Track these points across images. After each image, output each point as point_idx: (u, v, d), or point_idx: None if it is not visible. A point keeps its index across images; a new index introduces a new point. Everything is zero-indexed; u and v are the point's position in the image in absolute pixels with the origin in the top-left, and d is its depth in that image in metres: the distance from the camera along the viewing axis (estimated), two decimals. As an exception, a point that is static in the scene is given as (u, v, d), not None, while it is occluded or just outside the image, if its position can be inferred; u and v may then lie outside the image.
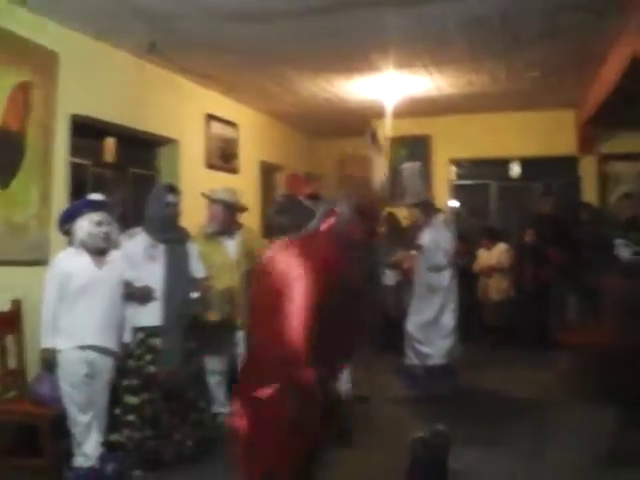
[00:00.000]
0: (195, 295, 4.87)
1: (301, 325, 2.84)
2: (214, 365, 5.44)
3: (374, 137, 5.62)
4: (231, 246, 5.55)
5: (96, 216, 4.39)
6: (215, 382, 5.46)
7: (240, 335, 5.37)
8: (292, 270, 2.91)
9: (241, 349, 5.30)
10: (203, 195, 5.60)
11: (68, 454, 4.40)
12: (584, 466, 4.64)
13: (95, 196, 4.55)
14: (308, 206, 4.36)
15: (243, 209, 5.76)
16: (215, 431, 5.00)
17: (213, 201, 5.50)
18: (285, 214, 4.27)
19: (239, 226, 5.69)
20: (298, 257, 2.97)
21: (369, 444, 5.17)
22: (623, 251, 4.62)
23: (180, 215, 5.02)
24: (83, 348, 4.31)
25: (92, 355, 4.35)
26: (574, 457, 4.84)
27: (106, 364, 4.46)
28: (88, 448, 4.33)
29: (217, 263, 5.37)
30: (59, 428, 4.42)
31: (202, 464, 4.75)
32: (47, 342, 4.28)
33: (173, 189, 5.00)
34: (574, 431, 5.43)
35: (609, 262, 5.42)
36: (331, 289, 2.93)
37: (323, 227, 3.36)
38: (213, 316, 5.17)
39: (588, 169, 10.05)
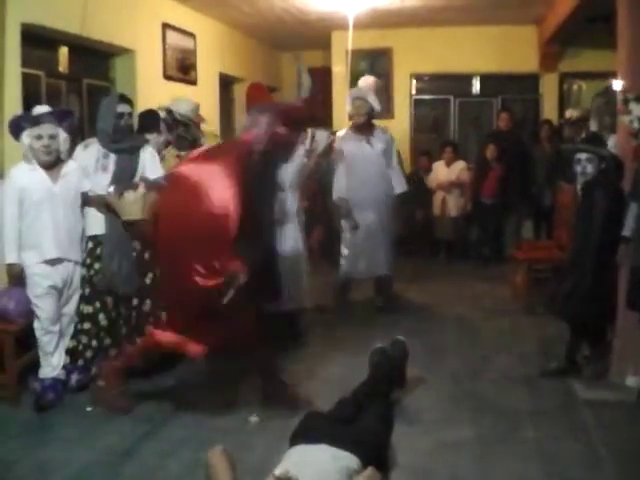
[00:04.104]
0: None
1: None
2: None
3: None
4: None
5: (37, 130, 4.35)
6: None
7: None
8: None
9: None
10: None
11: (31, 367, 4.49)
12: (530, 376, 4.84)
13: (38, 109, 4.48)
14: None
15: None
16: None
17: None
18: None
19: None
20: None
21: (332, 353, 5.31)
22: (585, 167, 4.57)
23: (132, 125, 4.94)
24: (47, 261, 4.39)
25: (56, 267, 4.43)
26: (523, 368, 5.03)
27: (71, 274, 4.54)
28: (55, 359, 4.47)
29: None
30: (22, 343, 4.48)
31: (164, 373, 4.86)
32: (11, 257, 4.35)
33: (125, 99, 4.90)
34: (525, 343, 5.62)
35: (567, 178, 5.46)
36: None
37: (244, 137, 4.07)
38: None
39: (549, 87, 10.05)
